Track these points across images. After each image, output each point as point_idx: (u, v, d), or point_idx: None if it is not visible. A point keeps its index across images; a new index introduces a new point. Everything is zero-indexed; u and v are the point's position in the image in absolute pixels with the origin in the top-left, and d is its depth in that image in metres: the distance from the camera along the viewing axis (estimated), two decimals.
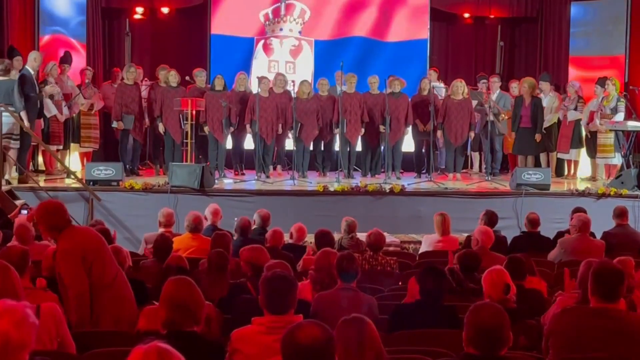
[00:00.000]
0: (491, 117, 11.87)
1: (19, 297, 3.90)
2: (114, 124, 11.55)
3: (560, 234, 8.07)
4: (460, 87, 11.77)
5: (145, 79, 12.40)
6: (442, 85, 12.75)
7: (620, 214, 8.05)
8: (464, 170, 12.66)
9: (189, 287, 3.62)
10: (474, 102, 12.21)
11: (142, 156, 12.49)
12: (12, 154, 10.10)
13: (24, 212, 7.91)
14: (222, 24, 13.86)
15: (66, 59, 11.82)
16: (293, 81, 11.94)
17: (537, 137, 11.66)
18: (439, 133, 11.85)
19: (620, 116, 11.27)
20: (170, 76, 11.60)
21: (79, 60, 12.59)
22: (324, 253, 5.30)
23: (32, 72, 10.43)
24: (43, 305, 3.94)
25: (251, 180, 11.23)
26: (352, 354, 2.89)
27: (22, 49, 11.44)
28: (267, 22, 13.93)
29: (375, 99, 11.82)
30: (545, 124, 12.10)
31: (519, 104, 11.77)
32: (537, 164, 12.25)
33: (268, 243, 6.97)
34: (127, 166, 11.42)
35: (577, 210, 8.17)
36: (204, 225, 7.56)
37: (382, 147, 11.96)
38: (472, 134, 11.88)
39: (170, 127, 11.50)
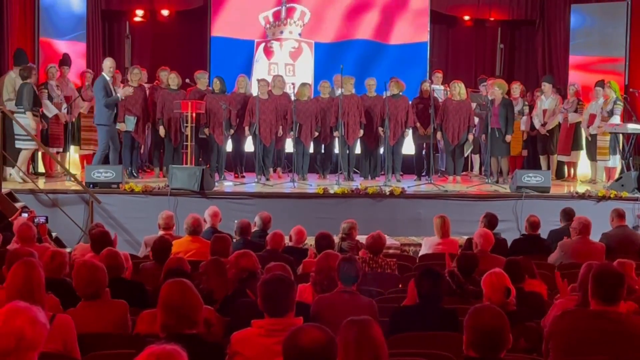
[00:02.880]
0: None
1: (42, 296, 3.97)
2: (117, 126, 11.53)
3: (552, 233, 8.09)
4: (458, 88, 11.79)
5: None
6: (441, 87, 12.76)
7: (619, 216, 8.08)
8: (464, 173, 12.67)
9: (183, 290, 3.59)
10: (473, 105, 12.21)
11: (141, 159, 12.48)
12: (23, 155, 10.40)
13: (25, 215, 7.91)
14: (222, 26, 13.87)
15: (65, 61, 11.83)
16: (293, 84, 11.94)
17: (508, 138, 11.63)
18: (439, 134, 11.86)
19: (615, 119, 11.27)
20: (170, 79, 11.62)
21: (79, 62, 12.59)
22: (325, 255, 5.29)
23: (108, 78, 10.79)
24: (58, 316, 3.96)
25: (251, 183, 11.22)
26: (350, 355, 2.88)
27: None
28: (267, 26, 13.94)
29: (373, 101, 11.82)
30: (547, 127, 12.11)
31: (489, 106, 11.73)
32: (538, 166, 12.26)
33: (268, 246, 6.95)
34: (129, 169, 11.41)
35: (566, 210, 8.20)
36: (203, 227, 7.55)
37: (382, 150, 11.97)
38: (470, 137, 11.87)
39: (170, 130, 11.51)
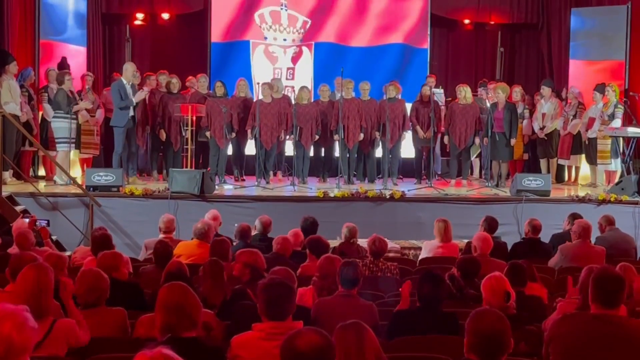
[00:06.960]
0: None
1: (50, 300, 3.98)
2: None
3: (555, 237, 8.09)
4: (464, 92, 11.78)
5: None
6: (441, 91, 12.75)
7: (609, 222, 8.16)
8: None
9: (182, 290, 3.61)
10: None
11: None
12: (61, 156, 10.68)
13: (26, 220, 7.89)
14: (222, 30, 13.87)
15: (63, 65, 11.82)
16: (292, 87, 11.92)
17: (512, 142, 11.61)
18: (446, 139, 11.84)
19: (617, 122, 11.26)
20: (171, 83, 11.63)
21: (80, 65, 12.58)
22: (328, 260, 5.27)
23: (126, 82, 11.02)
24: (59, 321, 3.96)
25: (251, 186, 11.22)
26: (353, 359, 2.88)
27: (22, 54, 11.44)
28: (263, 25, 13.90)
29: (367, 104, 11.80)
30: (546, 131, 12.10)
31: (492, 109, 11.71)
32: (538, 170, 12.25)
33: (275, 249, 6.87)
34: (129, 171, 11.39)
35: (574, 215, 8.20)
36: (212, 236, 7.40)
37: (381, 153, 11.95)
38: (477, 140, 11.84)
39: (170, 133, 11.51)
